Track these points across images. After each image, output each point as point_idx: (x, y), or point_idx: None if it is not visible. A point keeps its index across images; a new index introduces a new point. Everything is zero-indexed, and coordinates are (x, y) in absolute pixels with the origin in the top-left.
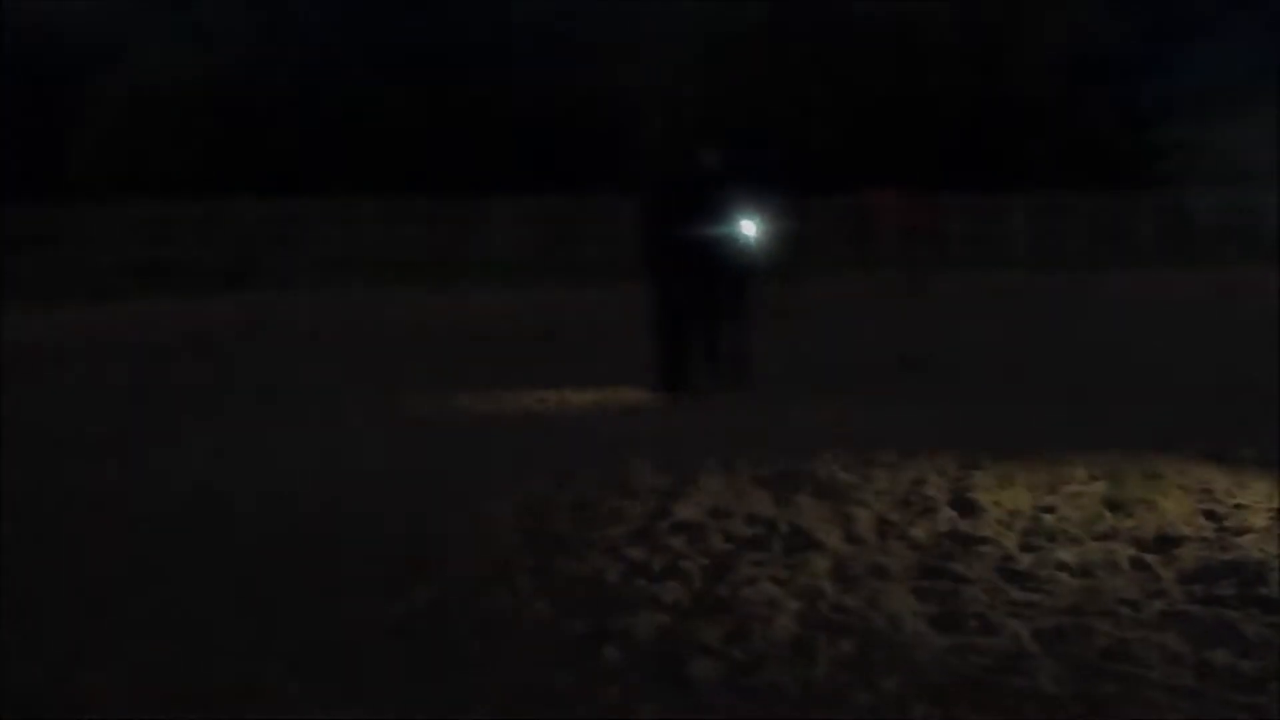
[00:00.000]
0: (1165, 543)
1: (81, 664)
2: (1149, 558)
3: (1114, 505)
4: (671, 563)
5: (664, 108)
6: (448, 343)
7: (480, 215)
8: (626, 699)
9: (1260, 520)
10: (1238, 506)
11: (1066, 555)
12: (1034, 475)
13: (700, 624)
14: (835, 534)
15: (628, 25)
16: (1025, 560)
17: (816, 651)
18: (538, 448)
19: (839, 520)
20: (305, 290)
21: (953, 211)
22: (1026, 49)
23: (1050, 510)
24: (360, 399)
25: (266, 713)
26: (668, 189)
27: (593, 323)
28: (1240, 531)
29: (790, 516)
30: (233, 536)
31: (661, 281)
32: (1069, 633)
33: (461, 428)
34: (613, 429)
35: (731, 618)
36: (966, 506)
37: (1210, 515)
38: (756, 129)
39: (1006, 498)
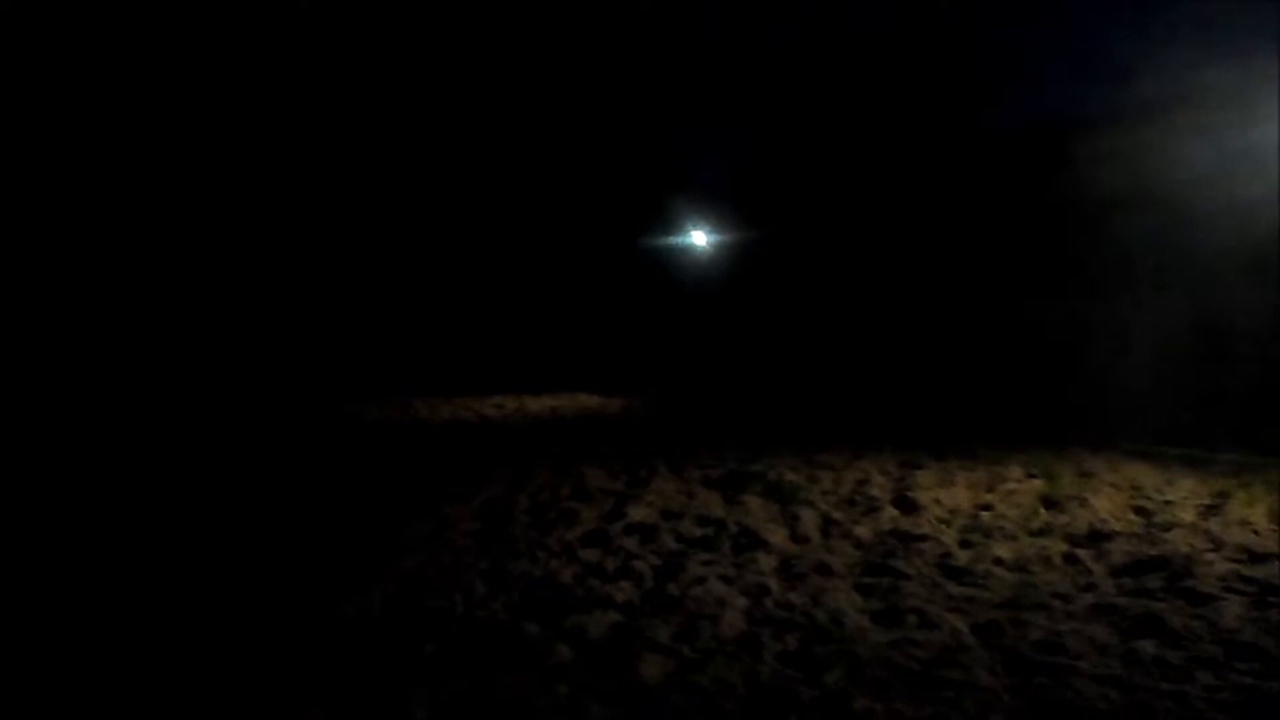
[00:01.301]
0: (1097, 538)
1: None
2: (1081, 553)
3: (1049, 502)
4: (624, 563)
5: None
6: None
7: None
8: (577, 697)
9: (1188, 515)
10: (1166, 503)
11: (1003, 551)
12: (972, 474)
13: (651, 622)
14: (781, 533)
15: None
16: (963, 556)
17: (762, 647)
18: (496, 451)
19: (785, 520)
20: None
21: None
22: None
23: (988, 508)
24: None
25: None
26: None
27: None
28: (1168, 527)
29: (739, 517)
30: None
31: None
32: (1004, 626)
33: (422, 432)
34: (569, 433)
35: (681, 615)
36: (908, 505)
37: (1140, 511)
38: None
39: (946, 496)
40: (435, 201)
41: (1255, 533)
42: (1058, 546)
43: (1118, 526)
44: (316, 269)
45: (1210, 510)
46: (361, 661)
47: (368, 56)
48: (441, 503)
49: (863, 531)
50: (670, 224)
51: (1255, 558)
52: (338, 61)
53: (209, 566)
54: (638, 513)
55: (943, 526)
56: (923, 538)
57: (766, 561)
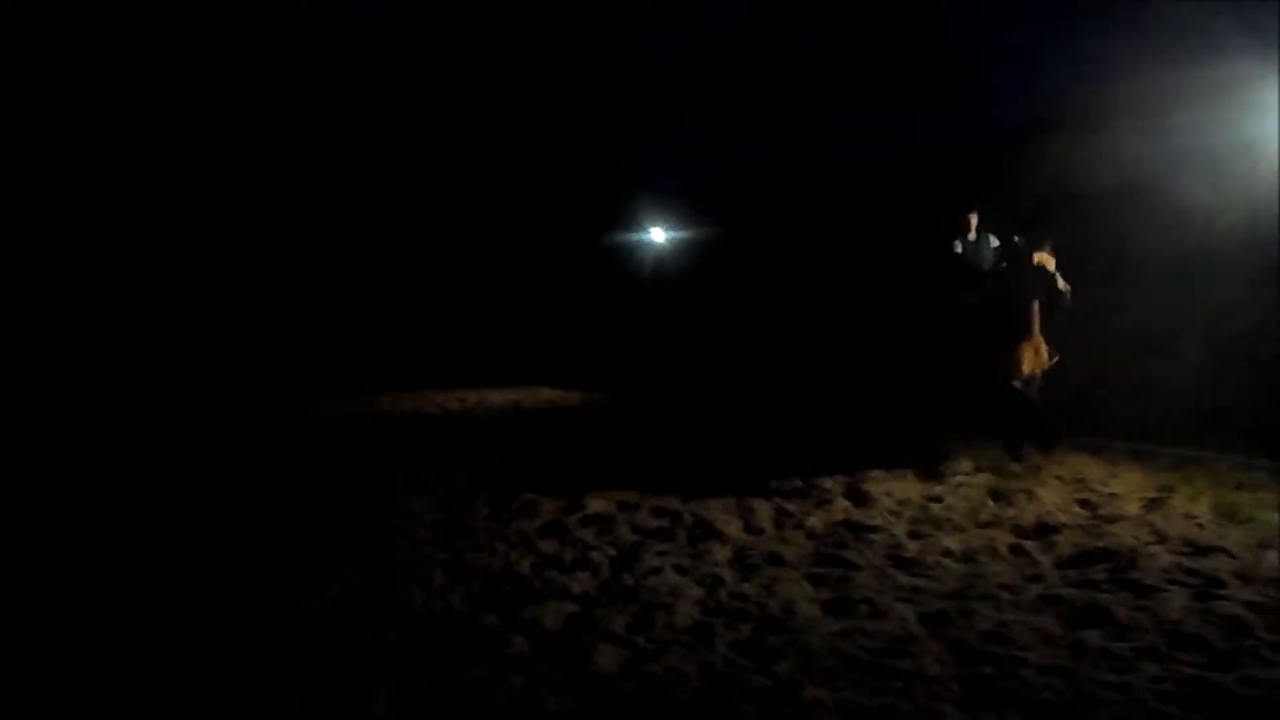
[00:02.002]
0: (1043, 530)
1: None
2: (1028, 544)
3: (997, 495)
4: (581, 554)
5: None
6: None
7: None
8: (533, 687)
9: (1132, 508)
10: (1111, 495)
11: (951, 542)
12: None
13: (607, 612)
14: (736, 524)
15: None
16: (913, 547)
17: (715, 637)
18: (458, 444)
19: (740, 511)
20: None
21: None
22: None
23: (937, 500)
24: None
25: None
26: None
27: None
28: (1113, 519)
29: (694, 508)
30: None
31: None
32: (953, 616)
33: (386, 426)
34: (530, 427)
35: (636, 606)
36: (860, 497)
37: (1085, 504)
38: None
39: (897, 488)
40: (401, 200)
41: (1199, 526)
42: (1005, 538)
43: (1064, 519)
44: (283, 267)
45: (1154, 504)
46: (324, 653)
47: (322, 58)
48: (403, 495)
49: (815, 523)
50: (629, 221)
51: (1198, 550)
52: (289, 67)
53: (173, 561)
54: (596, 504)
55: (893, 518)
56: (873, 529)
57: (721, 552)
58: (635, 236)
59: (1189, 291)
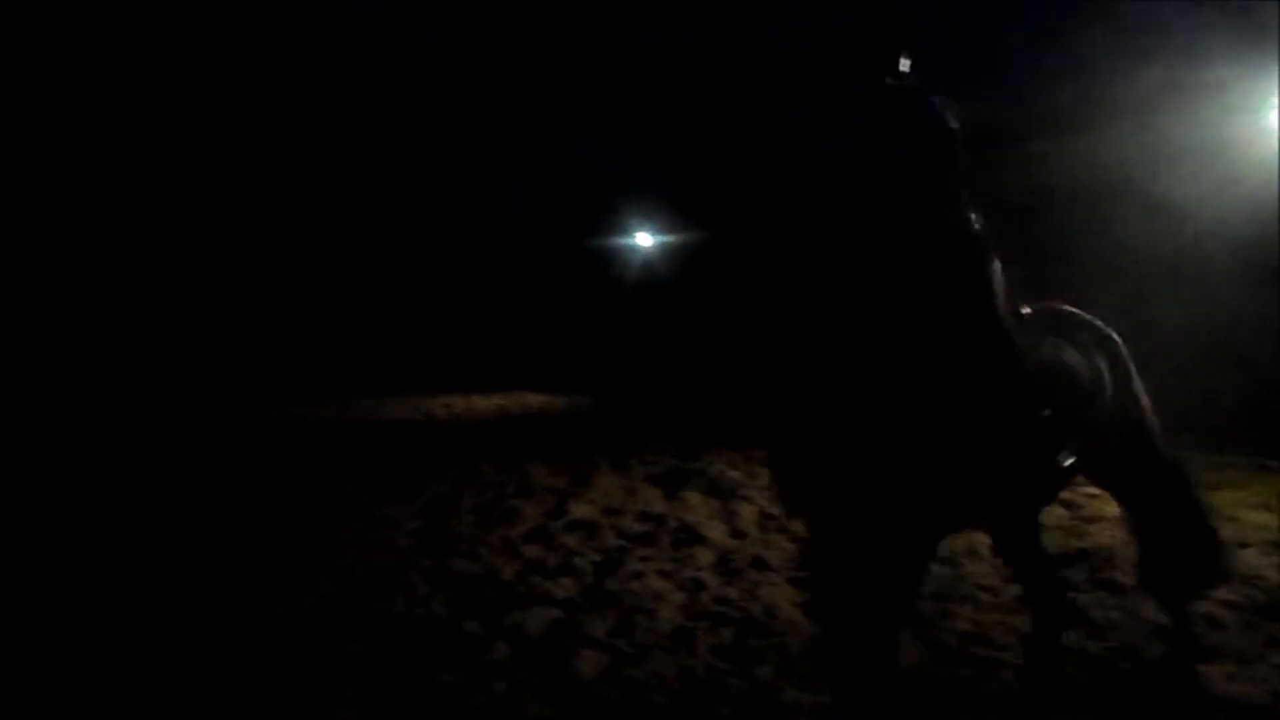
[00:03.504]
0: None
1: None
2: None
3: None
4: (565, 559)
5: None
6: None
7: None
8: (514, 693)
9: (1111, 508)
10: (1091, 495)
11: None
12: None
13: (589, 618)
14: (720, 529)
15: None
16: None
17: (697, 641)
18: (442, 450)
19: (724, 515)
20: None
21: None
22: None
23: None
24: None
25: None
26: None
27: None
28: (1092, 519)
29: (679, 513)
30: None
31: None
32: (933, 617)
33: (370, 432)
34: (515, 432)
35: (619, 611)
36: None
37: (1066, 504)
38: None
39: None
40: (390, 202)
41: None
42: (986, 540)
43: (1044, 519)
44: (270, 265)
45: None
46: (296, 659)
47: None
48: (385, 502)
49: (799, 526)
50: (617, 225)
51: None
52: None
53: (141, 568)
54: (580, 510)
55: None
56: None
57: (705, 556)
58: (622, 241)
59: (1173, 290)
